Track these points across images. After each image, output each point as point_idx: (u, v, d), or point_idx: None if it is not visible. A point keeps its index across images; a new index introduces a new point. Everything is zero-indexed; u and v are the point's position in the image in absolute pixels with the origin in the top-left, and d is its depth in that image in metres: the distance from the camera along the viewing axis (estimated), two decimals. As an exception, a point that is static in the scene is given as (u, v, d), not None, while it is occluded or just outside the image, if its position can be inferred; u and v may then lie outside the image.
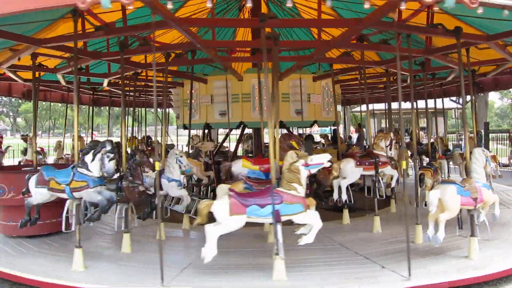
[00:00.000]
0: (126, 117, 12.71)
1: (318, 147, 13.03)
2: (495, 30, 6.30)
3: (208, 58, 8.47)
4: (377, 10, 4.64)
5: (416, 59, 8.52)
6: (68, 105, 13.32)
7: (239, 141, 11.87)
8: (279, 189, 5.05)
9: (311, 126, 11.64)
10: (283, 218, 4.96)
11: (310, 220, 5.11)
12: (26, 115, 61.34)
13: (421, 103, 13.14)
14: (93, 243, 6.76)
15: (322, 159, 5.10)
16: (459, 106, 27.17)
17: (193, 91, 9.21)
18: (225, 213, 4.87)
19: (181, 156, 7.20)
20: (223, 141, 12.19)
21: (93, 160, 5.53)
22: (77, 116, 5.79)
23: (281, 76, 8.82)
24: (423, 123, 30.47)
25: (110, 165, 5.53)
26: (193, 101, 9.42)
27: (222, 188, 5.38)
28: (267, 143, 13.99)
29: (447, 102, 18.14)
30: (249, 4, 4.66)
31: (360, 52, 8.19)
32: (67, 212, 5.90)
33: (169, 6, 3.91)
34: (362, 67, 8.16)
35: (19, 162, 12.17)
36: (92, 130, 13.06)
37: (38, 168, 6.46)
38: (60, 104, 23.75)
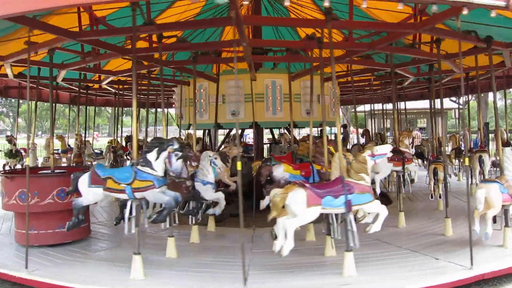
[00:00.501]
0: (124, 117, 12.59)
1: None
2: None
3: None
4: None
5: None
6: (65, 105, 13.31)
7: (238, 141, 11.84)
8: (349, 179, 5.13)
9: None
10: (354, 208, 5.06)
11: (378, 209, 5.22)
12: (26, 115, 61.37)
13: (421, 104, 13.17)
14: (124, 248, 6.33)
15: (385, 150, 5.37)
16: (460, 106, 27.18)
17: (202, 90, 9.16)
18: (303, 205, 4.86)
19: (215, 158, 6.81)
20: (223, 141, 12.15)
21: (157, 158, 5.21)
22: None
23: (294, 77, 8.92)
24: (423, 123, 30.52)
25: (178, 164, 5.25)
26: (202, 100, 9.32)
27: (276, 192, 5.18)
28: (266, 143, 13.97)
29: (447, 102, 18.16)
30: (245, 2, 4.64)
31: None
32: (125, 213, 5.42)
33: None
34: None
35: (3, 165, 11.76)
36: (94, 130, 13.05)
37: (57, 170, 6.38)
38: (59, 104, 23.70)
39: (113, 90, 12.79)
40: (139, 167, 5.21)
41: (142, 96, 14.27)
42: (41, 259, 5.82)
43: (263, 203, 6.77)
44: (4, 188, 6.56)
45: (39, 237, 6.34)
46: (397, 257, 5.71)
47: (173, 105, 10.77)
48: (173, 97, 11.26)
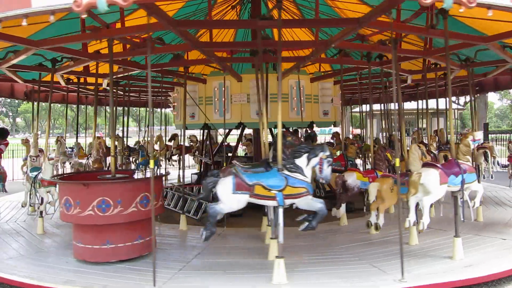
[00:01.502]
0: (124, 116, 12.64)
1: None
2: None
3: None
4: (373, 10, 4.66)
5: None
6: (67, 105, 13.31)
7: (238, 141, 11.85)
8: (459, 161, 6.02)
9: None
10: (465, 186, 5.91)
11: (479, 187, 6.28)
12: (25, 115, 61.33)
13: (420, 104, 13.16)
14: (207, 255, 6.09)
15: (480, 136, 6.53)
16: (459, 106, 27.20)
17: (222, 88, 9.10)
18: (437, 183, 5.68)
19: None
20: (223, 140, 12.14)
21: (308, 164, 5.08)
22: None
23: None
24: (423, 123, 30.50)
25: (329, 171, 5.09)
26: (223, 99, 9.16)
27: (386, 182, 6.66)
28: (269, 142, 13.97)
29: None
30: None
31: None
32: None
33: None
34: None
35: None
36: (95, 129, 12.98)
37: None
38: (59, 105, 23.72)
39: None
40: (287, 172, 5.03)
41: (142, 96, 14.45)
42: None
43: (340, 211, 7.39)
44: (71, 197, 5.59)
45: (117, 252, 5.61)
46: (340, 264, 5.55)
47: (174, 105, 10.57)
48: (174, 95, 11.08)
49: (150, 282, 4.72)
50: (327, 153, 5.08)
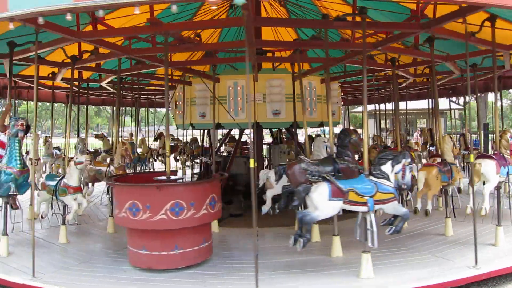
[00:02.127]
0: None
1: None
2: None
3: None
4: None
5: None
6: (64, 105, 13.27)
7: (238, 141, 11.83)
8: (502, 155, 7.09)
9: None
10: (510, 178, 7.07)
11: None
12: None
13: (420, 104, 13.20)
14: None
15: None
16: (459, 106, 27.17)
17: (238, 88, 9.03)
18: (495, 172, 6.73)
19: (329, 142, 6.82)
20: (223, 141, 12.17)
21: (392, 170, 5.28)
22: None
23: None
24: (423, 123, 30.53)
25: (410, 177, 5.40)
26: (238, 99, 9.09)
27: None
28: (266, 143, 13.96)
29: (447, 103, 18.14)
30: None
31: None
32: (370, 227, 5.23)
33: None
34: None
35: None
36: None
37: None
38: (59, 104, 23.69)
39: (112, 90, 12.77)
40: (374, 178, 5.21)
41: (143, 96, 14.43)
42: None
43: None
44: (139, 201, 5.36)
45: (185, 257, 5.44)
46: (405, 257, 5.88)
47: (177, 104, 10.38)
48: (177, 94, 10.91)
49: (247, 285, 4.66)
50: (409, 160, 5.34)
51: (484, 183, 6.89)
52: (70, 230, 7.41)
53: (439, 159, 7.88)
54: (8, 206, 6.46)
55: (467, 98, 11.98)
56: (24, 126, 6.10)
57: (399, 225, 5.25)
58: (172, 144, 13.53)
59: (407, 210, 5.36)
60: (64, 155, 8.73)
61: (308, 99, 9.16)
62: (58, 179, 7.07)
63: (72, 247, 6.73)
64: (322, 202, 4.96)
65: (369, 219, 5.04)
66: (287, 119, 8.95)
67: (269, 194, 6.81)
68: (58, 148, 12.59)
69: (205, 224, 5.60)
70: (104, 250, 6.61)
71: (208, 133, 12.13)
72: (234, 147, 11.61)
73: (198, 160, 13.31)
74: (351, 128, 11.25)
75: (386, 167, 5.24)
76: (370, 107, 15.48)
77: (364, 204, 5.02)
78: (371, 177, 5.19)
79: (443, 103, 19.02)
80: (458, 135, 12.94)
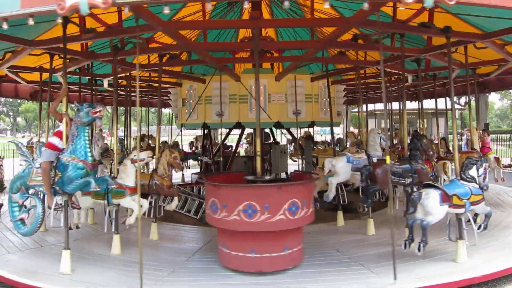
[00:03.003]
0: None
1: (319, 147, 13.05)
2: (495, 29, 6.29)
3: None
4: (361, 11, 4.60)
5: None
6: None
7: (238, 141, 11.84)
8: None
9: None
10: None
11: None
12: (26, 115, 61.33)
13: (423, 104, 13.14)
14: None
15: None
16: (459, 106, 27.17)
17: (260, 87, 9.08)
18: None
19: (384, 134, 7.36)
20: (223, 140, 12.14)
21: (477, 174, 5.79)
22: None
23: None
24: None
25: (487, 179, 6.04)
26: (261, 98, 9.02)
27: None
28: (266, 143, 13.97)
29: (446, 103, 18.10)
30: (246, 6, 4.56)
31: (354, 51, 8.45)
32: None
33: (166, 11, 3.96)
34: (357, 67, 8.35)
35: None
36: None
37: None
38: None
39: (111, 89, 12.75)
40: (465, 182, 5.68)
41: (144, 96, 14.41)
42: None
43: None
44: (218, 199, 5.24)
45: (260, 262, 5.16)
46: (335, 265, 5.56)
47: (185, 101, 10.11)
48: (187, 91, 10.76)
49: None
50: (487, 164, 6.04)
51: None
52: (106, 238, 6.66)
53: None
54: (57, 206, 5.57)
55: (467, 98, 11.97)
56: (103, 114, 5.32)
57: (485, 222, 5.81)
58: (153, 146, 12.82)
59: (490, 209, 5.95)
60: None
61: (324, 99, 9.48)
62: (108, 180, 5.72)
63: (127, 258, 5.92)
64: (435, 207, 5.36)
65: (464, 219, 5.56)
66: (305, 118, 9.32)
67: (334, 182, 7.24)
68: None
69: (288, 230, 5.27)
70: (181, 258, 6.01)
71: (209, 133, 12.12)
72: (235, 147, 11.62)
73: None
74: (352, 129, 11.38)
75: (473, 171, 5.75)
76: (370, 107, 15.44)
77: (463, 206, 5.50)
78: (463, 182, 5.68)
79: (443, 103, 18.98)
80: (459, 135, 12.91)
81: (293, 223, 5.14)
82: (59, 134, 5.45)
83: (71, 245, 5.45)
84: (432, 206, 5.33)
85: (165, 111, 28.84)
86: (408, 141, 7.31)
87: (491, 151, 10.42)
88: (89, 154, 5.20)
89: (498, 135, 25.47)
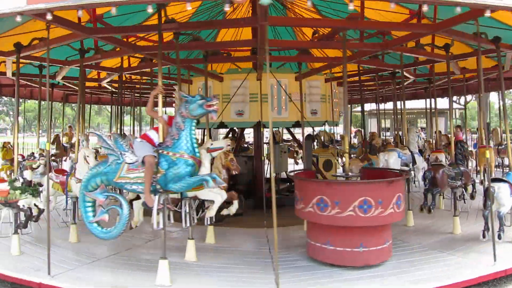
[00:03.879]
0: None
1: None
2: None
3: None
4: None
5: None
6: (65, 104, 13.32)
7: (238, 141, 11.82)
8: None
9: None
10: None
11: None
12: (26, 114, 61.30)
13: (420, 103, 13.18)
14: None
15: None
16: (459, 106, 27.15)
17: (276, 87, 9.26)
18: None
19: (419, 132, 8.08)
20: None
21: None
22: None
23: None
24: (423, 123, 30.48)
25: None
26: (282, 97, 9.32)
27: None
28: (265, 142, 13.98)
29: (446, 102, 18.10)
30: (227, 9, 4.46)
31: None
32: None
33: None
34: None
35: None
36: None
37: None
38: (57, 103, 23.69)
39: (111, 89, 12.75)
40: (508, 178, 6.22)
41: (144, 95, 14.43)
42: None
43: None
44: (328, 197, 5.32)
45: (367, 256, 5.32)
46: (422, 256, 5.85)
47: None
48: (199, 89, 10.57)
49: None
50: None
51: None
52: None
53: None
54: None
55: (467, 98, 12.00)
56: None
57: None
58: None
59: None
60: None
61: (336, 100, 9.98)
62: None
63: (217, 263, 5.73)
64: (506, 199, 6.01)
65: None
66: (321, 118, 9.77)
67: None
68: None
69: (387, 224, 5.51)
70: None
71: (235, 132, 12.11)
72: (235, 146, 11.58)
73: None
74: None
75: None
76: (368, 106, 15.47)
77: None
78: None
79: (443, 102, 19.02)
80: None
81: (399, 216, 5.50)
82: (156, 130, 5.15)
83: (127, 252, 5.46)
84: (504, 198, 6.00)
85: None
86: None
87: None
88: (196, 149, 4.87)
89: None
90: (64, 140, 13.68)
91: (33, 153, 10.36)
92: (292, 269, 5.36)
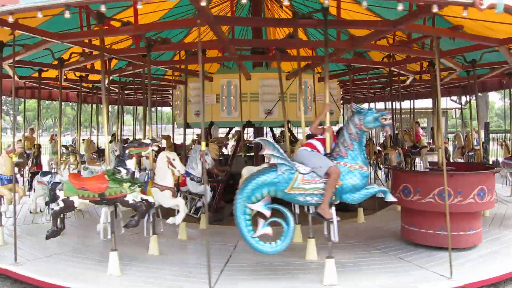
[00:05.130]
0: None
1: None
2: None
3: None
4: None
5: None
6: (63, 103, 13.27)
7: (238, 140, 11.83)
8: None
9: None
10: None
11: None
12: (26, 114, 61.34)
13: (421, 103, 13.19)
14: None
15: None
16: (459, 106, 27.15)
17: (308, 87, 9.43)
18: None
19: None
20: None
21: None
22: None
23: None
24: (423, 123, 30.48)
25: None
26: (308, 98, 9.47)
27: None
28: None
29: (448, 102, 18.13)
30: (244, 1, 4.62)
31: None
32: None
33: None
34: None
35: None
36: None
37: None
38: (57, 103, 23.73)
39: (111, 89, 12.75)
40: None
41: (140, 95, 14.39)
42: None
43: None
44: (411, 185, 6.08)
45: (419, 235, 6.15)
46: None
47: (222, 98, 9.64)
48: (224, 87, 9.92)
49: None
50: None
51: None
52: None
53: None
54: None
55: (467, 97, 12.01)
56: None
57: None
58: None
59: None
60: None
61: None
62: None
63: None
64: None
65: None
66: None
67: None
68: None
69: (473, 213, 6.07)
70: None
71: (209, 131, 12.07)
72: (235, 146, 11.60)
73: None
74: None
75: None
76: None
77: None
78: None
79: (443, 102, 19.03)
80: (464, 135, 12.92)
81: (480, 207, 6.08)
82: (321, 140, 5.15)
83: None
84: None
85: (166, 110, 28.94)
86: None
87: (421, 139, 12.72)
88: (366, 161, 5.03)
89: (499, 134, 25.41)
90: (26, 145, 11.62)
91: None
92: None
